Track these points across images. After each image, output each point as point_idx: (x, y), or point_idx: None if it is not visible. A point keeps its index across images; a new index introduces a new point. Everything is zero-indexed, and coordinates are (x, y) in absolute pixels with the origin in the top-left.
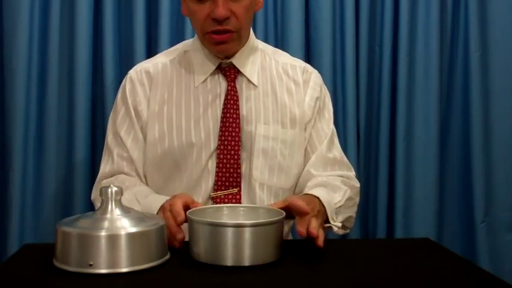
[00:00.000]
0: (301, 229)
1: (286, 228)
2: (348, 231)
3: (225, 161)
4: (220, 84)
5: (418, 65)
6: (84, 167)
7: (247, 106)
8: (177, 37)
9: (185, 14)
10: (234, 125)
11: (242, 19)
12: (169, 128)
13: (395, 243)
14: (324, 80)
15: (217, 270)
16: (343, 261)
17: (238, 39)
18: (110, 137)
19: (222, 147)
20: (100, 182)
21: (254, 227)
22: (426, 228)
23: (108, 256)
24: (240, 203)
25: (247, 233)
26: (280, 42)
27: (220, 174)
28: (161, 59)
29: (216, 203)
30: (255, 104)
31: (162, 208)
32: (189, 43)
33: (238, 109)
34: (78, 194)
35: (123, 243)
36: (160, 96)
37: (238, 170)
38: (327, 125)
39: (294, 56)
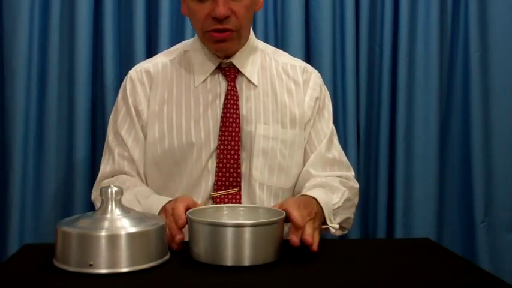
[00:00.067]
0: (294, 238)
1: (286, 228)
2: (345, 232)
3: (225, 160)
4: (220, 84)
5: (418, 65)
6: (84, 167)
7: (247, 106)
8: (177, 37)
9: (185, 14)
10: (234, 124)
11: (242, 18)
12: (170, 128)
13: (395, 243)
14: (324, 80)
15: (217, 270)
16: (343, 261)
17: (238, 38)
18: (110, 137)
19: (222, 147)
20: (100, 181)
21: (254, 227)
22: (426, 228)
23: (108, 256)
24: (240, 203)
25: (247, 233)
26: (280, 42)
27: (220, 174)
28: (161, 59)
29: (216, 203)
30: (255, 104)
31: (164, 210)
32: (189, 43)
33: (238, 109)
34: (78, 194)
35: (123, 243)
36: (161, 96)
37: (238, 170)
38: (326, 125)
39: (294, 56)
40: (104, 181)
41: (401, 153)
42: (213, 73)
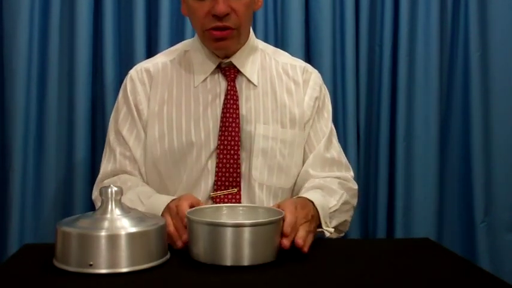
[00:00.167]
0: (285, 242)
1: None
2: (342, 234)
3: (224, 160)
4: (220, 84)
5: (418, 65)
6: (84, 167)
7: (246, 106)
8: (177, 37)
9: (185, 14)
10: (233, 124)
11: (242, 16)
12: (169, 128)
13: (395, 243)
14: (324, 80)
15: (217, 270)
16: (343, 261)
17: (238, 37)
18: (111, 136)
19: (221, 147)
20: (102, 181)
21: (253, 226)
22: (426, 228)
23: (108, 256)
24: (239, 202)
25: (246, 232)
26: (280, 42)
27: (220, 174)
28: (161, 59)
29: (216, 202)
30: (254, 103)
31: (168, 209)
32: (189, 43)
33: (238, 109)
34: (78, 194)
35: (123, 243)
36: (161, 95)
37: (238, 170)
38: (325, 125)
39: (294, 56)
40: (106, 180)
41: (401, 153)
42: (212, 73)
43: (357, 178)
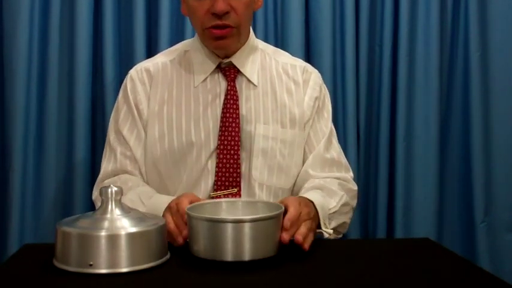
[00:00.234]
0: (285, 236)
1: None
2: (340, 236)
3: (224, 160)
4: (220, 84)
5: (418, 65)
6: (84, 167)
7: (246, 106)
8: (177, 37)
9: (185, 14)
10: (233, 124)
11: (242, 15)
12: (169, 128)
13: (395, 243)
14: (324, 80)
15: (217, 270)
16: (343, 261)
17: (238, 36)
18: (112, 136)
19: (221, 147)
20: (102, 181)
21: (253, 222)
22: (426, 228)
23: (108, 256)
24: None
25: (246, 228)
26: (280, 42)
27: (220, 174)
28: (161, 59)
29: None
30: (254, 103)
31: (169, 208)
32: (189, 43)
33: (238, 109)
34: (78, 194)
35: (123, 243)
36: (161, 95)
37: (238, 170)
38: (325, 125)
39: (294, 56)
40: (106, 180)
41: (401, 153)
42: (212, 73)
43: (357, 178)
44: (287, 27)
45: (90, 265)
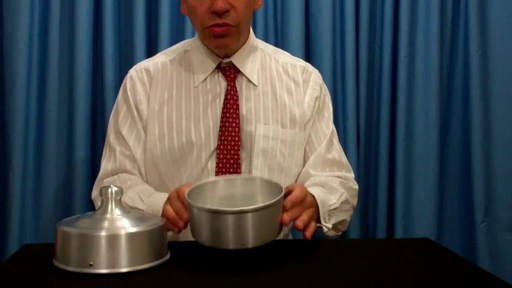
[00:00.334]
0: (285, 217)
1: (286, 229)
2: (339, 233)
3: (224, 160)
4: (220, 84)
5: (418, 65)
6: (84, 167)
7: (247, 106)
8: (177, 37)
9: (185, 14)
10: (233, 124)
11: (241, 13)
12: (169, 128)
13: (395, 243)
14: (324, 80)
15: (217, 269)
16: (343, 261)
17: (238, 34)
18: (111, 136)
19: (221, 147)
20: (102, 180)
21: (255, 211)
22: (426, 228)
23: (108, 256)
24: None
25: (248, 217)
26: (280, 42)
27: (220, 174)
28: (161, 59)
29: None
30: (254, 103)
31: (168, 198)
32: (189, 42)
33: (238, 109)
34: (78, 194)
35: (123, 243)
36: (160, 95)
37: (238, 170)
38: (326, 125)
39: (294, 56)
40: (105, 180)
41: (401, 153)
42: (212, 73)
43: (357, 178)
44: (287, 27)
45: (90, 265)
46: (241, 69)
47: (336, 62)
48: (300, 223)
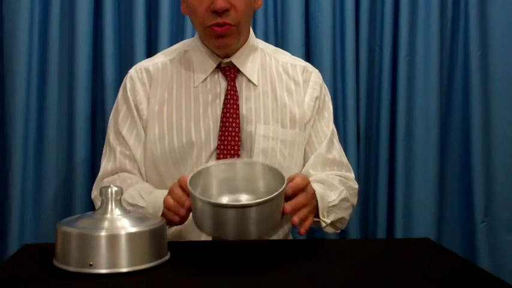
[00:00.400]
0: (287, 207)
1: (286, 229)
2: (338, 231)
3: None
4: (220, 84)
5: (418, 65)
6: (84, 167)
7: (247, 106)
8: (177, 37)
9: (185, 13)
10: (233, 124)
11: (241, 13)
12: (170, 128)
13: (395, 243)
14: (324, 80)
15: (218, 270)
16: (343, 261)
17: (238, 34)
18: (111, 136)
19: (222, 147)
20: (102, 180)
21: (258, 205)
22: (426, 228)
23: (108, 256)
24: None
25: (251, 212)
26: (280, 42)
27: None
28: (161, 59)
29: None
30: (254, 103)
31: (169, 190)
32: (189, 42)
33: (238, 109)
34: (78, 194)
35: (123, 243)
36: (160, 95)
37: None
38: (326, 125)
39: (294, 56)
40: (105, 179)
41: (401, 153)
42: (212, 72)
43: (357, 178)
44: (287, 27)
45: (90, 265)
46: (241, 69)
47: (336, 62)
48: (296, 219)
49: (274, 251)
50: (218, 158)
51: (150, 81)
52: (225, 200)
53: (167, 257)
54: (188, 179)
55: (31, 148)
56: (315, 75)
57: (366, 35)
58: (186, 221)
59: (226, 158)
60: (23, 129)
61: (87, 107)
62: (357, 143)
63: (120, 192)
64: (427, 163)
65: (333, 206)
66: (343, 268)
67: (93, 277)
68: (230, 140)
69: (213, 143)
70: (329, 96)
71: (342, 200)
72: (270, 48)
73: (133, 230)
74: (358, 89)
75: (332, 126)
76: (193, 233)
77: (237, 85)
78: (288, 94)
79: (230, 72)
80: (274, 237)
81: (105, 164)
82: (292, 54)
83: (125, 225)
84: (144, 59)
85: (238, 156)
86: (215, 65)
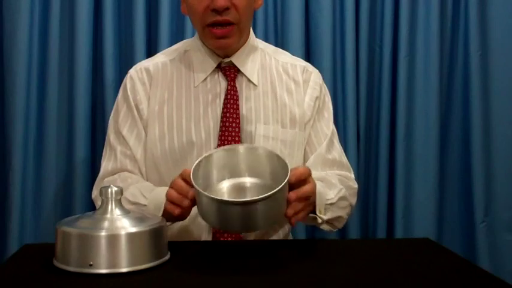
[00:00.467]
0: (293, 195)
1: (286, 229)
2: (334, 230)
3: None
4: (220, 84)
5: (418, 65)
6: (84, 167)
7: (247, 106)
8: (177, 37)
9: (185, 13)
10: (234, 124)
11: (242, 11)
12: (170, 128)
13: (395, 243)
14: (324, 80)
15: (217, 270)
16: (343, 261)
17: (239, 33)
18: (112, 136)
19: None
20: (102, 179)
21: (263, 200)
22: (426, 228)
23: (108, 256)
24: None
25: (256, 206)
26: (280, 42)
27: None
28: (161, 59)
29: None
30: (254, 103)
31: (171, 183)
32: (189, 42)
33: (238, 109)
34: (78, 194)
35: (123, 243)
36: (161, 95)
37: None
38: (326, 125)
39: (294, 56)
40: (106, 179)
41: (401, 153)
42: (213, 72)
43: (357, 178)
44: (287, 27)
45: (90, 265)
46: (241, 69)
47: (336, 62)
48: (290, 210)
49: (274, 251)
50: None
51: (150, 81)
52: (226, 184)
53: (167, 257)
54: (192, 171)
55: (31, 148)
56: (315, 75)
57: (366, 35)
58: (186, 220)
59: None
60: (23, 129)
61: (87, 107)
62: (357, 143)
63: (120, 192)
64: (427, 163)
65: (331, 204)
66: (343, 268)
67: (93, 277)
68: (230, 140)
69: (213, 143)
70: (329, 96)
71: (340, 198)
72: (270, 48)
73: (133, 230)
74: (358, 89)
75: (332, 126)
76: (193, 232)
77: (237, 85)
78: (288, 94)
79: (230, 72)
80: (274, 237)
81: (106, 164)
82: (292, 54)
83: (125, 225)
84: (144, 59)
85: None
86: (215, 65)
